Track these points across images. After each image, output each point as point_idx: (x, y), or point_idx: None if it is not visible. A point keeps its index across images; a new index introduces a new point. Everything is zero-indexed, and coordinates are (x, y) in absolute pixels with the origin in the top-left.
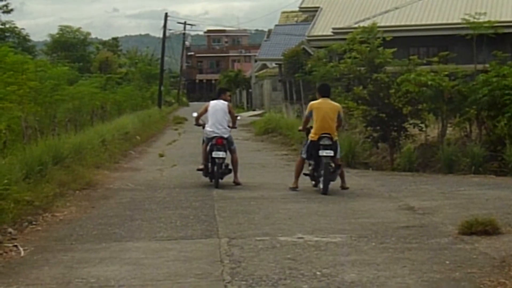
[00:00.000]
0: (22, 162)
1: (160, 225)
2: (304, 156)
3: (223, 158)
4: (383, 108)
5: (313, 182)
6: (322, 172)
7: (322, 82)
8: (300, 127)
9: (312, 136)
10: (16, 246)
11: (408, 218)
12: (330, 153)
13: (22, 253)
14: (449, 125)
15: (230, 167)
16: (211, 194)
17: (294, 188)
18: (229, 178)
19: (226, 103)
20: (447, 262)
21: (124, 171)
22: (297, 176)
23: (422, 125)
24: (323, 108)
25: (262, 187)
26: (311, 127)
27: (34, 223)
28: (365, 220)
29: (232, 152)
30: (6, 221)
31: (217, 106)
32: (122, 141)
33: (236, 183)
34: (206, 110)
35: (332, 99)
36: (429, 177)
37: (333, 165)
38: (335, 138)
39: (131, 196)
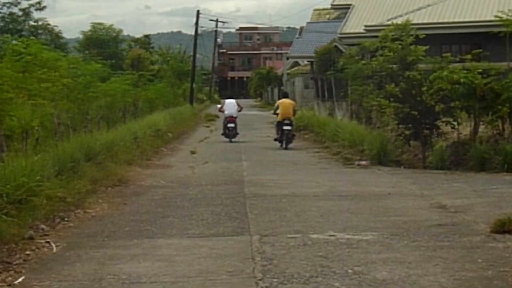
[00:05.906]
0: (54, 158)
1: (191, 222)
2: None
3: (233, 127)
4: (415, 106)
5: (279, 144)
6: (284, 138)
7: (282, 91)
8: (272, 112)
9: (279, 118)
10: (48, 242)
11: (440, 216)
12: (289, 128)
13: (55, 249)
14: (481, 123)
15: (238, 131)
16: (243, 191)
17: (276, 139)
18: (260, 175)
19: (235, 100)
20: (480, 260)
21: (156, 168)
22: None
23: (455, 123)
24: (284, 103)
25: (294, 185)
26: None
27: (66, 219)
28: (396, 218)
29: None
30: (38, 218)
31: (230, 101)
32: (154, 138)
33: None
34: (224, 104)
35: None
36: (461, 175)
37: (290, 135)
38: (292, 120)
39: (163, 193)
